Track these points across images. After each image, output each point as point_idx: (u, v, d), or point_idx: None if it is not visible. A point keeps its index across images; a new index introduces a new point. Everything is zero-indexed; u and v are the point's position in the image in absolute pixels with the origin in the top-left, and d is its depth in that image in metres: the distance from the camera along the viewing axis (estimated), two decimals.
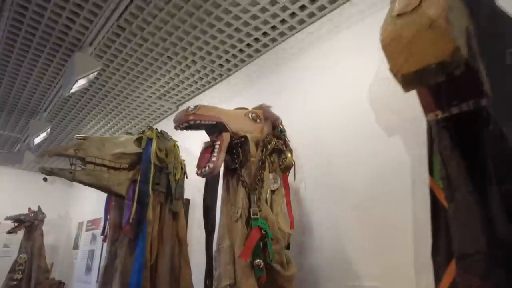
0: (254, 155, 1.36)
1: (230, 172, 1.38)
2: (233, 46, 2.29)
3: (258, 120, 1.47)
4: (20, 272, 4.15)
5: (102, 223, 2.02)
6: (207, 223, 1.38)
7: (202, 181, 1.48)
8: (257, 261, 1.15)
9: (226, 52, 2.35)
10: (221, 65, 2.50)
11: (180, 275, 1.86)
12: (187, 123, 1.22)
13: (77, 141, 1.78)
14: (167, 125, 2.84)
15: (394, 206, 1.37)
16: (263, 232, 1.19)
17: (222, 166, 1.40)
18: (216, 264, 1.28)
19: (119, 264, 1.68)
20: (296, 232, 1.53)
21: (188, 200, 2.52)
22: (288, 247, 1.35)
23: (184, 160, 2.09)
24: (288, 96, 2.04)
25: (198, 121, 1.22)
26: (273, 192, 1.39)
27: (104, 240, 1.92)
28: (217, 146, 1.26)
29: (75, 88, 2.31)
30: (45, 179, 5.17)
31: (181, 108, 3.20)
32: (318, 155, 1.74)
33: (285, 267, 1.22)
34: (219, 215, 1.35)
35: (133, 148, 1.86)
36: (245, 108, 1.51)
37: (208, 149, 1.29)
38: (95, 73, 2.25)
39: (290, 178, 1.51)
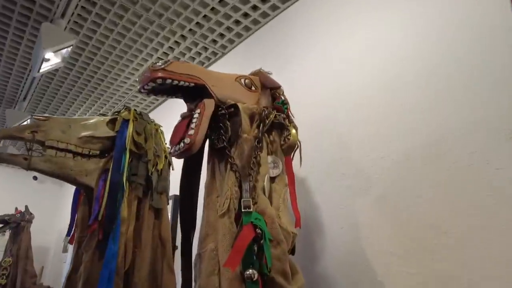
0: (248, 131, 1.04)
1: (217, 152, 1.05)
2: (227, 17, 1.97)
3: (253, 87, 1.15)
4: (4, 277, 3.86)
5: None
6: (185, 219, 1.05)
7: None
8: (250, 271, 0.82)
9: (220, 24, 2.03)
10: (214, 41, 2.18)
11: (162, 283, 1.54)
12: (153, 83, 0.89)
13: (37, 122, 1.47)
14: (158, 116, 2.53)
15: (436, 197, 1.04)
16: (258, 231, 0.86)
17: (207, 145, 1.08)
18: (196, 273, 0.95)
19: (84, 270, 1.36)
20: (300, 231, 1.20)
21: (178, 197, 2.20)
22: (292, 251, 1.02)
23: (169, 148, 1.76)
24: (295, 71, 1.72)
25: (169, 80, 0.90)
26: (272, 179, 1.06)
27: (70, 242, 1.60)
28: (196, 116, 0.94)
29: (47, 66, 2.01)
30: (35, 178, 4.89)
31: None
32: (330, 137, 1.41)
33: (289, 279, 0.89)
34: (202, 209, 1.02)
35: (105, 130, 1.54)
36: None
37: (185, 120, 0.97)
38: (69, 49, 1.95)
39: (295, 163, 1.18)
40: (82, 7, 1.90)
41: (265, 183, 1.01)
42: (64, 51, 1.94)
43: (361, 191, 1.25)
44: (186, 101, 1.03)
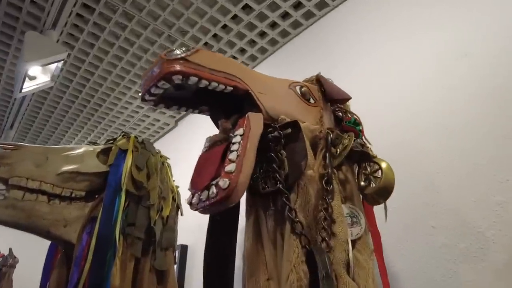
0: (313, 165, 0.64)
1: (263, 201, 0.65)
2: (251, 27, 1.64)
3: (311, 100, 0.76)
4: None
5: None
6: None
7: (205, 219, 0.73)
8: None
9: (241, 36, 1.69)
10: (242, 50, 1.81)
11: None
12: (167, 82, 0.51)
13: (1, 152, 1.08)
14: (163, 146, 2.15)
15: None
16: None
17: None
18: None
19: None
20: None
21: (185, 247, 1.75)
22: None
23: (178, 187, 1.36)
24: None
25: (195, 79, 0.52)
26: (352, 244, 0.65)
27: None
28: (237, 140, 0.54)
29: (32, 86, 1.66)
30: None
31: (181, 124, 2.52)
32: (411, 175, 1.00)
33: None
34: None
35: (94, 164, 1.15)
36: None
37: (217, 148, 0.57)
38: (59, 64, 1.60)
39: (378, 215, 0.77)
40: (77, 14, 1.58)
41: (350, 255, 0.59)
42: (53, 66, 1.60)
43: (469, 256, 0.83)
44: (214, 118, 0.64)
